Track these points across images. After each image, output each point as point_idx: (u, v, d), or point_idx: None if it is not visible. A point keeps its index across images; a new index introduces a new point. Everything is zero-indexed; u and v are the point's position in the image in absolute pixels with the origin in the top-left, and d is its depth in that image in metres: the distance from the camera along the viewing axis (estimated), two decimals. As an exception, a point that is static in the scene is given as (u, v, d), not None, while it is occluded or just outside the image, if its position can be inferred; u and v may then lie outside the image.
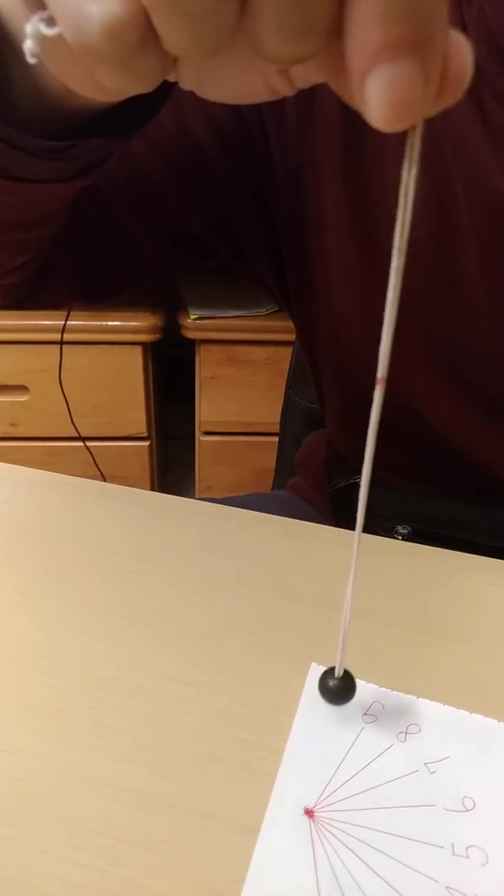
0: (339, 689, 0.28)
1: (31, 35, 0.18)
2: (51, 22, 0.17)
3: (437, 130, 0.39)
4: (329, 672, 0.28)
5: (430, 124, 0.15)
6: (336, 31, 0.15)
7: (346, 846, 0.24)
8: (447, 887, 0.23)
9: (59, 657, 0.32)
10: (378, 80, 0.14)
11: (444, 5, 0.14)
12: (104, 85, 0.18)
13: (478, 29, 0.37)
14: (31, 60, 0.18)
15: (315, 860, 0.24)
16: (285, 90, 0.20)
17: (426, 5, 0.14)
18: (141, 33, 0.16)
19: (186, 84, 0.20)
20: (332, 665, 0.28)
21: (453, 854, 0.24)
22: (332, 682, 0.28)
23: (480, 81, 0.37)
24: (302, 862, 0.24)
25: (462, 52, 0.15)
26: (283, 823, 0.25)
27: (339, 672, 0.28)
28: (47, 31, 0.17)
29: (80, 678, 0.31)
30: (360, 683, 0.31)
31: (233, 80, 0.19)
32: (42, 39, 0.18)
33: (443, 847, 0.25)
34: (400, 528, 0.50)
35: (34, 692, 0.30)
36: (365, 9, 0.14)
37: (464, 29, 0.37)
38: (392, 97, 0.14)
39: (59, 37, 0.17)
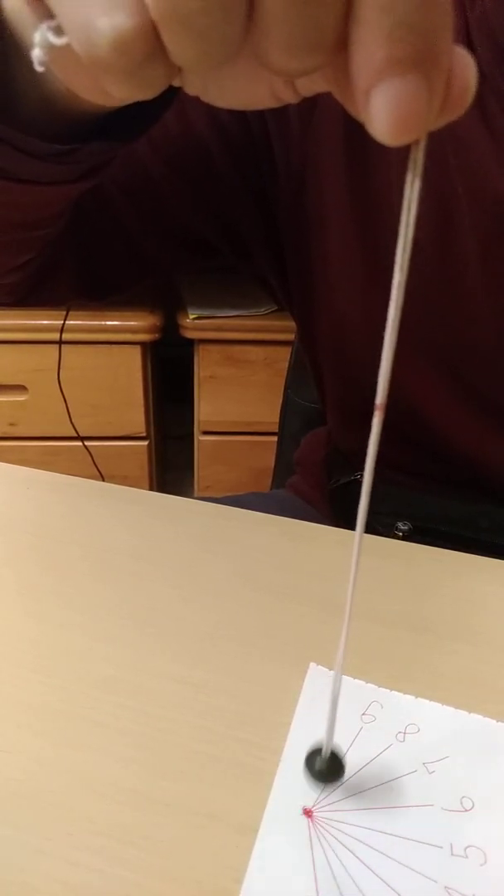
0: (325, 771, 0.26)
1: (39, 44, 0.18)
2: (59, 31, 0.17)
3: (439, 132, 0.38)
4: (316, 752, 0.27)
5: None
6: (341, 45, 0.15)
7: (345, 846, 0.24)
8: (445, 887, 0.23)
9: (57, 656, 0.32)
10: (382, 95, 0.14)
11: (449, 21, 0.14)
12: (110, 92, 0.18)
13: (481, 32, 0.37)
14: (38, 69, 0.18)
15: (314, 860, 0.24)
16: (290, 98, 0.20)
17: (431, 21, 0.14)
18: (149, 46, 0.16)
19: (192, 90, 0.20)
20: (333, 667, 0.28)
21: (452, 854, 0.24)
22: (318, 764, 0.26)
23: (483, 84, 0.37)
24: (300, 862, 0.24)
25: (466, 67, 0.15)
26: (282, 823, 0.25)
27: (326, 752, 0.26)
28: (55, 41, 0.17)
29: (79, 677, 0.31)
30: (359, 683, 0.31)
31: (238, 88, 0.19)
32: (49, 48, 0.18)
33: (441, 847, 0.25)
34: (400, 525, 0.51)
35: (33, 691, 0.30)
36: (370, 25, 0.14)
37: (467, 31, 0.37)
38: (396, 112, 0.14)
39: (67, 46, 0.17)
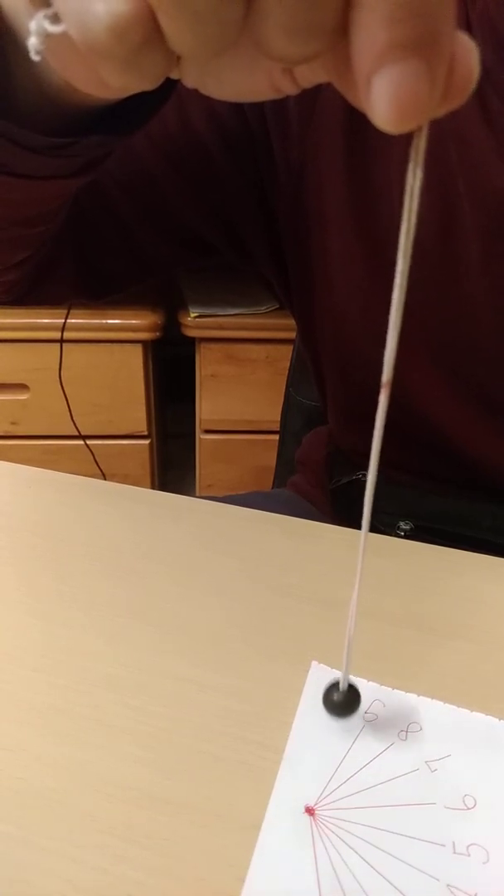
0: (343, 703, 0.28)
1: (36, 32, 0.18)
2: (55, 19, 0.17)
3: (441, 129, 0.38)
4: (334, 686, 0.28)
5: (434, 123, 0.15)
6: (342, 31, 0.15)
7: (347, 844, 0.24)
8: (448, 885, 0.23)
9: (60, 655, 0.32)
10: (384, 81, 0.14)
11: (451, 7, 0.14)
12: (107, 82, 0.18)
13: (482, 27, 0.37)
14: (34, 58, 0.18)
15: (316, 858, 0.24)
16: (289, 89, 0.20)
17: (432, 6, 0.14)
18: (146, 32, 0.16)
19: (190, 82, 0.20)
20: (335, 665, 0.28)
21: (454, 852, 0.24)
22: (336, 696, 0.28)
23: (484, 80, 0.37)
24: (302, 860, 0.24)
25: (468, 53, 0.15)
26: (284, 821, 0.25)
27: (343, 686, 0.27)
28: (52, 29, 0.17)
29: (82, 676, 0.31)
30: (360, 682, 0.31)
31: (236, 79, 0.19)
32: (46, 37, 0.18)
33: (444, 845, 0.25)
34: (402, 525, 0.51)
35: (35, 690, 0.30)
36: (371, 9, 0.14)
37: (468, 28, 0.37)
38: (398, 98, 0.14)
39: (64, 34, 0.17)
